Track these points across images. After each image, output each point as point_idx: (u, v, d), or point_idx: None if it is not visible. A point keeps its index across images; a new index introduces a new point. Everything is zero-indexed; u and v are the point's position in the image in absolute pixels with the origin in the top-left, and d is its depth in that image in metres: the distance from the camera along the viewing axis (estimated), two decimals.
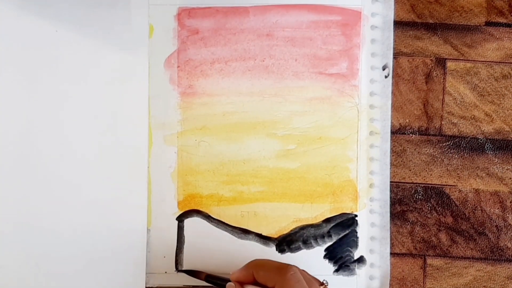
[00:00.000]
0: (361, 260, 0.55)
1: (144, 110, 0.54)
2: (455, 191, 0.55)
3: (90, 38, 0.54)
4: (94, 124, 0.54)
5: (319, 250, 0.55)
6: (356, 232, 0.55)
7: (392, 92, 0.55)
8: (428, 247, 0.55)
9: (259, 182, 0.55)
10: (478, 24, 0.55)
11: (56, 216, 0.54)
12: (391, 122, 0.55)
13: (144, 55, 0.54)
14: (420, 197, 0.55)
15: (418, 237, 0.55)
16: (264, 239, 0.55)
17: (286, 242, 0.55)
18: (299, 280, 0.43)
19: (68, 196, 0.54)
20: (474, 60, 0.55)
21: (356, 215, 0.55)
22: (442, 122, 0.55)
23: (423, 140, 0.55)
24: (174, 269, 0.55)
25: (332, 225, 0.55)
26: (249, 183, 0.55)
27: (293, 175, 0.55)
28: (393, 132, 0.55)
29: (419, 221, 0.55)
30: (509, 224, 0.55)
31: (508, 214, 0.55)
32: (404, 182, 0.55)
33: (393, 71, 0.55)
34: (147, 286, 0.54)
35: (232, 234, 0.55)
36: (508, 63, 0.55)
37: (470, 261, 0.55)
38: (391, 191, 0.55)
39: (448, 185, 0.55)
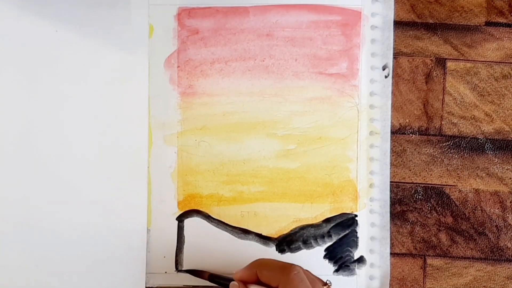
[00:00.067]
0: (361, 260, 0.55)
1: (144, 110, 0.54)
2: (455, 191, 0.55)
3: (90, 38, 0.54)
4: (94, 124, 0.54)
5: (319, 250, 0.55)
6: (356, 232, 0.55)
7: (392, 92, 0.55)
8: (428, 247, 0.55)
9: (259, 182, 0.55)
10: (478, 24, 0.55)
11: (56, 216, 0.54)
12: (391, 122, 0.55)
13: (144, 55, 0.54)
14: (420, 197, 0.55)
15: (418, 237, 0.55)
16: (264, 239, 0.55)
17: (286, 242, 0.55)
18: (303, 279, 0.43)
19: (68, 196, 0.54)
20: (474, 60, 0.55)
21: (356, 215, 0.55)
22: (442, 122, 0.55)
23: (423, 140, 0.55)
24: (174, 269, 0.55)
25: (332, 225, 0.55)
26: (249, 183, 0.55)
27: (293, 175, 0.55)
28: (393, 132, 0.55)
29: (419, 221, 0.55)
30: (509, 224, 0.55)
31: (508, 214, 0.55)
32: (404, 182, 0.55)
33: (393, 71, 0.55)
34: (147, 286, 0.54)
35: (232, 234, 0.55)
36: (508, 63, 0.55)
37: (470, 261, 0.55)
38: (391, 191, 0.55)
39: (448, 185, 0.55)
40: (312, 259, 0.55)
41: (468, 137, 0.55)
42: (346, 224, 0.55)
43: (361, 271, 0.55)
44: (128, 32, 0.54)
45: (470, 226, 0.55)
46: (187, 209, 0.55)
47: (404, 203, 0.55)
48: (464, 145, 0.55)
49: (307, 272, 0.45)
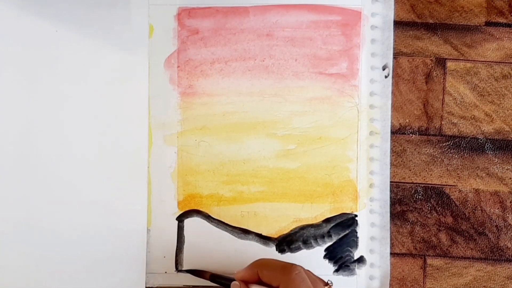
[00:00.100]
0: (361, 260, 0.55)
1: (144, 110, 0.54)
2: (455, 191, 0.55)
3: (90, 38, 0.54)
4: (94, 124, 0.54)
5: (319, 250, 0.55)
6: (356, 232, 0.55)
7: (392, 92, 0.55)
8: (428, 247, 0.55)
9: (259, 182, 0.55)
10: (478, 24, 0.55)
11: (56, 216, 0.54)
12: (391, 122, 0.55)
13: (144, 55, 0.54)
14: (420, 197, 0.55)
15: (418, 237, 0.55)
16: (264, 239, 0.55)
17: (286, 242, 0.55)
18: (304, 279, 0.43)
19: (68, 196, 0.54)
20: (474, 60, 0.55)
21: (356, 215, 0.55)
22: (442, 122, 0.55)
23: (423, 140, 0.55)
24: (174, 269, 0.55)
25: (332, 225, 0.55)
26: (249, 183, 0.55)
27: (293, 175, 0.55)
28: (393, 132, 0.55)
29: (419, 221, 0.55)
30: (509, 224, 0.55)
31: (508, 214, 0.55)
32: (404, 182, 0.55)
33: (393, 71, 0.55)
34: (147, 286, 0.54)
35: (232, 234, 0.55)
36: (508, 63, 0.55)
37: (470, 261, 0.55)
38: (391, 191, 0.55)
39: (448, 185, 0.55)
40: (312, 259, 0.55)
41: (468, 137, 0.55)
42: (346, 224, 0.55)
43: (361, 271, 0.55)
44: (128, 32, 0.54)
45: (470, 226, 0.55)
46: (187, 209, 0.55)
47: (404, 203, 0.55)
48: (464, 145, 0.55)
49: (308, 272, 0.45)
